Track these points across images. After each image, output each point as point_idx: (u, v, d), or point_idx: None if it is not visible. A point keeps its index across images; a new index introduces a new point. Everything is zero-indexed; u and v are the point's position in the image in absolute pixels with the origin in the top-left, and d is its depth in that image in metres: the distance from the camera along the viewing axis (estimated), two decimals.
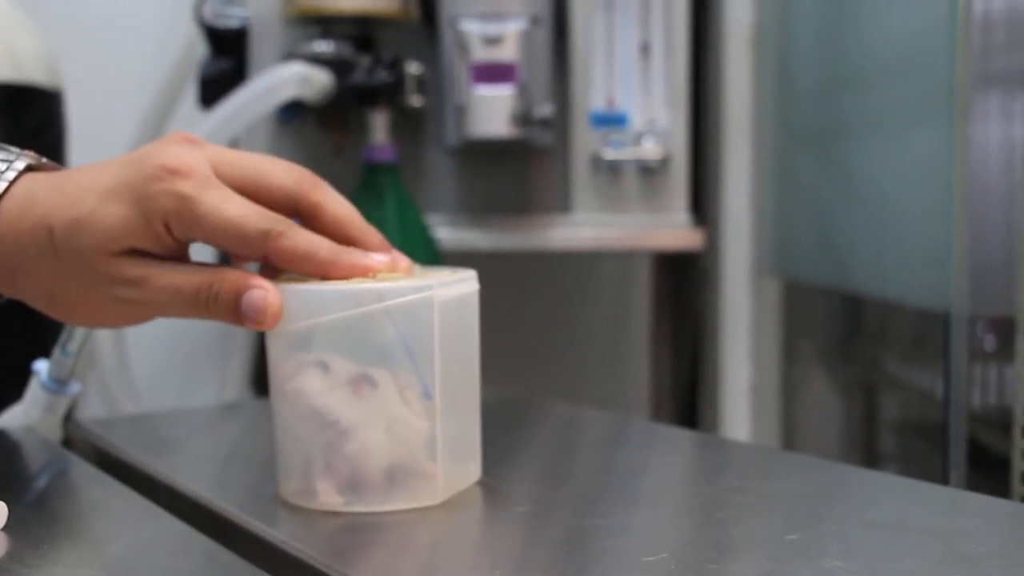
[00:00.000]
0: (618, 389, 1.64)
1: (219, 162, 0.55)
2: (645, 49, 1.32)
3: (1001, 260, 0.96)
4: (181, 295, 0.54)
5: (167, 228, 0.54)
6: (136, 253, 0.54)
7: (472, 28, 1.23)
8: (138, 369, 1.40)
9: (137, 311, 0.55)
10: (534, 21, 1.25)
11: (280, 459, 0.57)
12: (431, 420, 0.56)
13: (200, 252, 0.57)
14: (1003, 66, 0.98)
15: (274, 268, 0.58)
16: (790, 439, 1.53)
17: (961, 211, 0.95)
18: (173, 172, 0.53)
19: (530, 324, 1.63)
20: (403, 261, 0.58)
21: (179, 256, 0.55)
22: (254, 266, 0.58)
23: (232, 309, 0.54)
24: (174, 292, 0.54)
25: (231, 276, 0.54)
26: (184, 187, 0.53)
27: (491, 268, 1.58)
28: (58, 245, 0.54)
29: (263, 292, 0.54)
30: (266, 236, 0.54)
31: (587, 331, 1.64)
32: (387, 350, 0.55)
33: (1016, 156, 0.96)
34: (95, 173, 0.55)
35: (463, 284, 0.58)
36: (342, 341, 0.55)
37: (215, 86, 1.30)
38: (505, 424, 0.73)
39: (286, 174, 0.57)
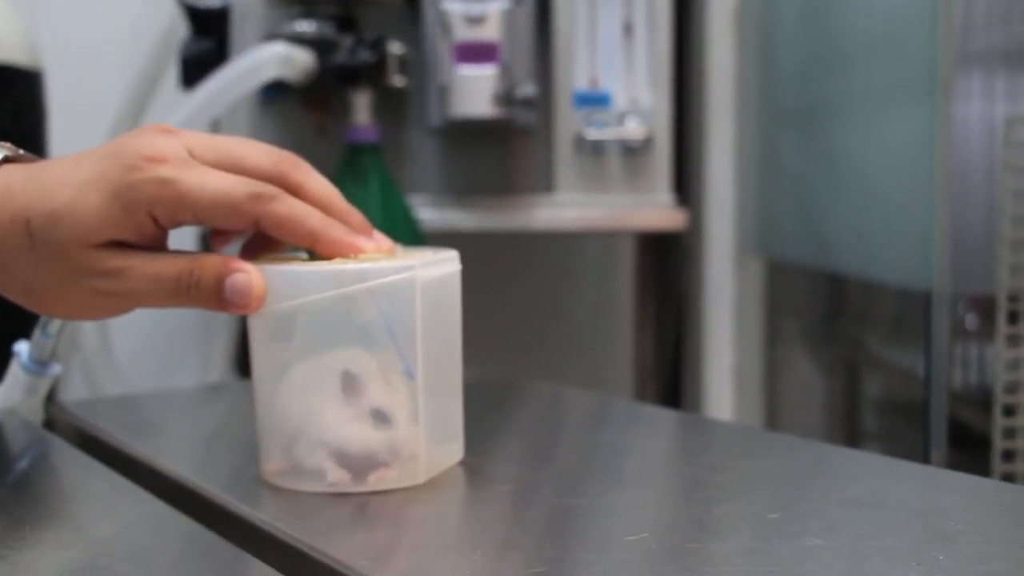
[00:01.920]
0: (601, 369, 1.64)
1: (195, 147, 0.54)
2: (628, 28, 1.32)
3: (982, 239, 0.97)
4: (162, 283, 0.54)
5: (151, 217, 0.53)
6: (114, 245, 0.54)
7: (454, 8, 1.23)
8: (121, 350, 1.40)
9: (117, 303, 0.55)
10: (517, 0, 1.25)
11: (262, 440, 0.57)
12: (413, 400, 0.56)
13: (177, 244, 0.57)
14: (984, 44, 0.98)
15: (252, 251, 0.58)
16: (773, 418, 1.54)
17: (942, 190, 0.95)
18: (151, 159, 0.53)
19: (513, 304, 1.63)
20: (385, 242, 0.58)
21: (157, 246, 0.55)
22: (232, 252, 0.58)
23: (215, 294, 0.54)
24: (154, 281, 0.53)
25: (212, 261, 0.54)
26: (164, 171, 0.53)
27: (474, 249, 1.57)
28: (35, 238, 0.53)
29: (246, 275, 0.54)
30: (257, 199, 0.53)
31: (570, 311, 1.65)
32: (369, 330, 0.55)
33: (997, 135, 0.96)
34: (71, 165, 0.54)
35: (445, 264, 0.58)
36: (324, 322, 0.54)
37: (196, 67, 1.29)
38: (488, 404, 0.73)
39: (264, 156, 0.56)
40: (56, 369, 0.72)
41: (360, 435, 0.55)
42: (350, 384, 0.55)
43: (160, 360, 1.58)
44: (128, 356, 1.48)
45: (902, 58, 1.07)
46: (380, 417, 0.55)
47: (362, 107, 1.24)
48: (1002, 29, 0.98)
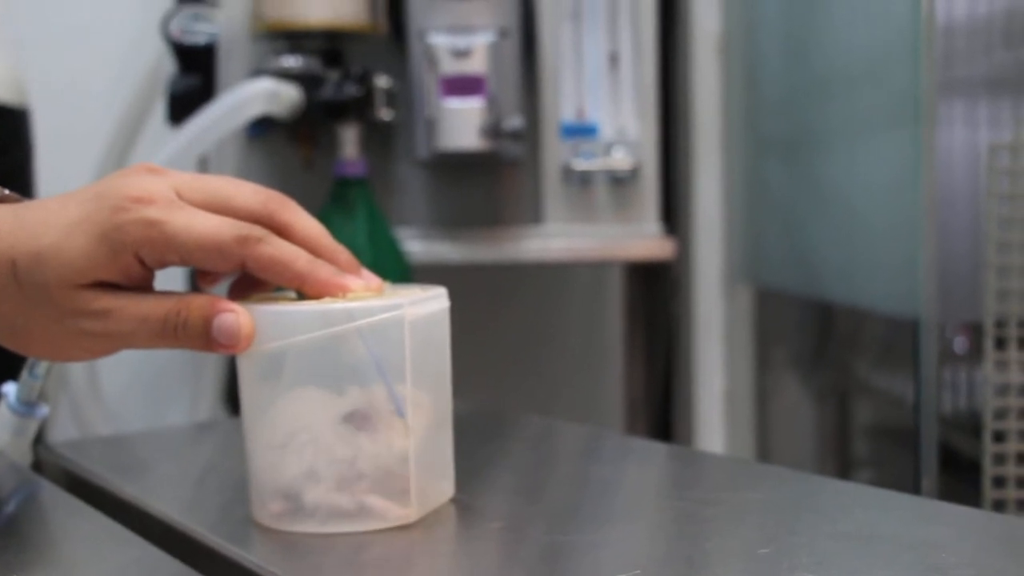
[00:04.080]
0: (592, 398, 1.64)
1: (182, 187, 0.54)
2: (614, 59, 1.33)
3: (968, 266, 0.97)
4: (149, 324, 0.53)
5: (138, 258, 0.53)
6: (101, 285, 0.54)
7: (441, 41, 1.24)
8: (109, 386, 1.39)
9: (103, 344, 0.55)
10: (502, 33, 1.25)
11: (252, 480, 0.57)
12: (404, 439, 0.56)
13: (163, 285, 0.57)
14: (966, 73, 0.99)
15: (240, 291, 0.58)
16: (764, 446, 1.54)
17: (928, 218, 0.96)
18: (137, 200, 0.53)
19: (503, 336, 1.62)
20: (373, 280, 0.58)
21: (143, 287, 0.55)
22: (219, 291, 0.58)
23: (203, 335, 0.54)
24: (141, 321, 0.53)
25: (199, 301, 0.54)
26: (150, 212, 0.53)
27: (463, 281, 1.57)
28: (21, 279, 0.53)
29: (234, 315, 0.54)
30: (244, 241, 0.53)
31: (560, 341, 1.65)
32: (359, 369, 0.55)
33: (980, 162, 0.97)
34: (57, 206, 0.54)
35: (433, 302, 0.58)
36: (314, 361, 0.55)
37: (184, 103, 1.29)
38: (479, 438, 0.73)
39: (252, 195, 0.56)
40: (44, 411, 0.72)
41: (351, 474, 0.55)
42: (340, 422, 0.55)
43: (150, 397, 1.58)
44: (117, 393, 1.47)
45: (885, 87, 1.08)
46: (371, 456, 0.55)
47: (349, 141, 1.25)
48: (983, 57, 0.99)
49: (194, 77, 1.31)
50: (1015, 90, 0.98)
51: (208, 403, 1.30)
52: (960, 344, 1.27)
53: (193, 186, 0.55)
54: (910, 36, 0.99)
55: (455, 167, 1.33)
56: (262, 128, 1.26)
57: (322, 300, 0.55)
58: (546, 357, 1.64)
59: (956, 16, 0.98)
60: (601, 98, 1.32)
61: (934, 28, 0.96)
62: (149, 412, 1.57)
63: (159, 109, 1.37)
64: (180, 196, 0.54)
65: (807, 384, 1.57)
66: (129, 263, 0.53)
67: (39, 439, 0.73)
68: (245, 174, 1.28)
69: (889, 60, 1.06)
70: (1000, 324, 0.96)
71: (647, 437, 1.47)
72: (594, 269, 1.62)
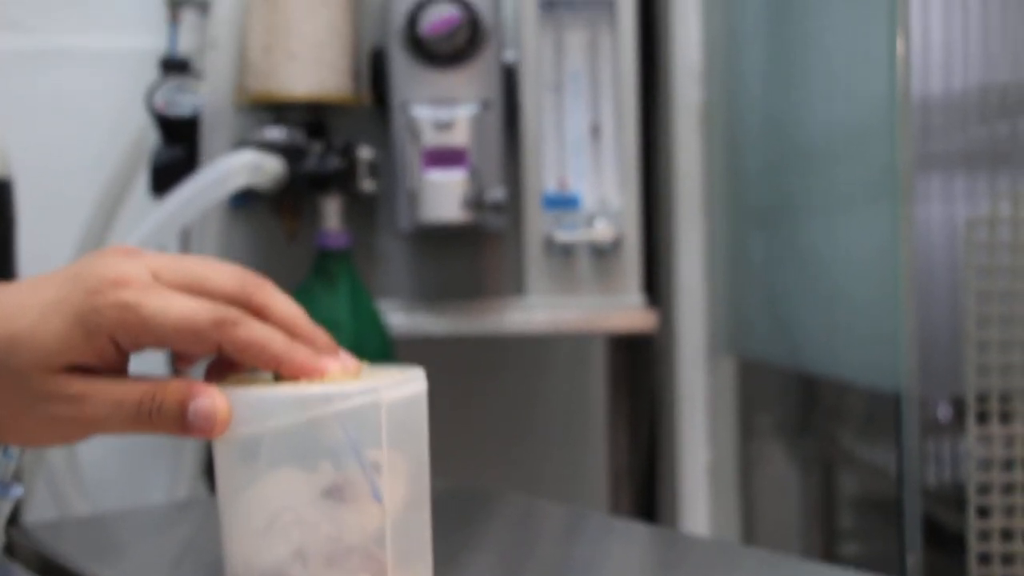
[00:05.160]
0: (576, 470, 1.64)
1: (158, 269, 0.55)
2: (596, 130, 1.34)
3: (950, 340, 0.98)
4: (123, 409, 0.53)
5: (113, 342, 0.53)
6: (75, 369, 0.54)
7: (423, 113, 1.25)
8: (88, 461, 1.38)
9: (76, 429, 0.54)
10: (485, 105, 1.27)
11: (231, 566, 0.56)
12: (380, 523, 0.55)
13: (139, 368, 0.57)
14: (942, 148, 1.00)
15: (217, 372, 0.58)
16: (749, 516, 1.53)
17: (907, 292, 0.97)
18: (113, 283, 0.53)
19: (486, 407, 1.62)
20: (351, 362, 0.58)
21: (118, 371, 0.55)
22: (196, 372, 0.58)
23: (178, 419, 0.53)
24: (116, 406, 0.53)
25: (174, 385, 0.54)
26: (126, 295, 0.53)
27: (445, 352, 1.58)
28: None
29: (209, 400, 0.54)
30: (220, 324, 0.53)
31: (543, 413, 1.64)
32: (335, 453, 0.54)
33: (958, 236, 0.98)
34: (32, 288, 0.54)
35: (411, 384, 0.58)
36: (290, 445, 0.54)
37: (167, 174, 1.30)
38: (457, 518, 0.72)
39: (228, 277, 0.56)
40: (17, 491, 0.71)
41: (327, 558, 0.55)
42: (320, 498, 0.55)
43: (128, 472, 1.56)
44: (96, 468, 1.46)
45: (863, 160, 1.09)
46: (347, 541, 0.55)
47: (332, 213, 1.25)
48: (959, 131, 1.00)
49: (178, 148, 1.32)
50: (991, 164, 0.99)
51: (188, 477, 1.29)
52: (944, 412, 1.27)
53: (169, 268, 0.56)
54: (887, 111, 1.00)
55: (437, 239, 1.34)
56: (245, 200, 1.26)
57: (299, 383, 0.55)
58: (529, 429, 1.63)
59: (932, 92, 0.99)
60: (583, 169, 1.33)
61: (910, 104, 0.98)
62: (128, 487, 1.56)
63: (142, 180, 1.37)
64: (156, 278, 0.55)
65: (792, 455, 1.56)
66: (104, 346, 0.53)
67: (13, 519, 0.73)
68: (228, 245, 1.28)
69: (867, 135, 1.07)
70: (982, 398, 0.96)
71: (631, 508, 1.47)
72: (577, 340, 1.62)
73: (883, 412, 1.25)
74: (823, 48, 1.21)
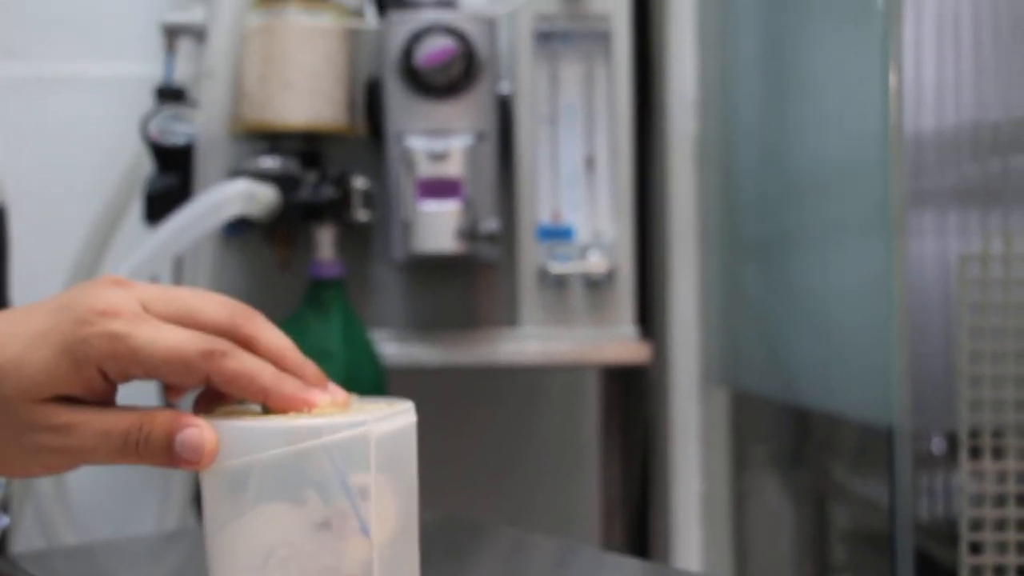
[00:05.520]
0: (569, 502, 1.63)
1: (148, 300, 0.55)
2: (590, 162, 1.35)
3: (942, 375, 0.98)
4: (110, 440, 0.53)
5: (102, 372, 0.53)
6: (62, 399, 0.54)
7: (418, 145, 1.25)
8: (77, 489, 1.37)
9: (63, 459, 0.54)
10: (479, 137, 1.27)
11: None
12: (368, 557, 0.55)
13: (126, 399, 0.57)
14: (935, 184, 1.00)
15: (206, 404, 0.58)
16: (742, 548, 1.52)
17: (900, 327, 0.97)
18: (103, 314, 0.53)
19: (478, 438, 1.61)
20: (340, 394, 0.58)
21: (106, 401, 0.55)
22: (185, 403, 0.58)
23: (165, 451, 0.53)
24: (103, 437, 0.53)
25: (162, 416, 0.54)
26: (115, 326, 0.53)
27: (438, 383, 1.57)
28: None
29: (197, 431, 0.54)
30: (209, 356, 0.54)
31: (535, 445, 1.64)
32: (324, 486, 0.54)
33: (951, 272, 0.98)
34: (21, 318, 0.54)
35: (400, 417, 0.58)
36: (278, 477, 0.54)
37: (161, 203, 1.29)
38: (447, 552, 0.72)
39: (218, 308, 0.57)
40: (4, 521, 0.71)
41: None
42: (315, 531, 0.55)
43: (117, 502, 1.56)
44: (85, 497, 1.45)
45: (856, 195, 1.09)
46: (334, 574, 0.55)
47: (326, 242, 1.25)
48: (952, 167, 1.01)
49: (172, 177, 1.32)
50: (983, 201, 0.99)
51: (177, 507, 1.28)
52: (938, 445, 1.26)
53: (159, 299, 0.56)
54: (880, 146, 1.01)
55: (431, 269, 1.34)
56: (238, 229, 1.26)
57: (287, 415, 0.55)
58: (521, 460, 1.63)
59: (924, 128, 1.00)
60: (577, 201, 1.34)
61: (903, 139, 0.98)
62: (117, 517, 1.55)
63: (136, 208, 1.37)
64: (146, 309, 0.55)
65: (785, 487, 1.56)
66: (92, 377, 0.53)
67: (1, 549, 0.72)
68: (221, 275, 1.28)
69: (860, 169, 1.08)
70: (974, 434, 0.96)
71: (624, 541, 1.46)
72: (570, 372, 1.62)
73: (876, 445, 1.25)
74: (817, 82, 1.21)
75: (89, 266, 1.38)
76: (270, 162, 1.25)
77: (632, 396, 1.47)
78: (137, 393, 0.60)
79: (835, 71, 1.17)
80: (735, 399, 1.50)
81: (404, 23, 1.26)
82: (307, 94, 1.26)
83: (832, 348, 1.14)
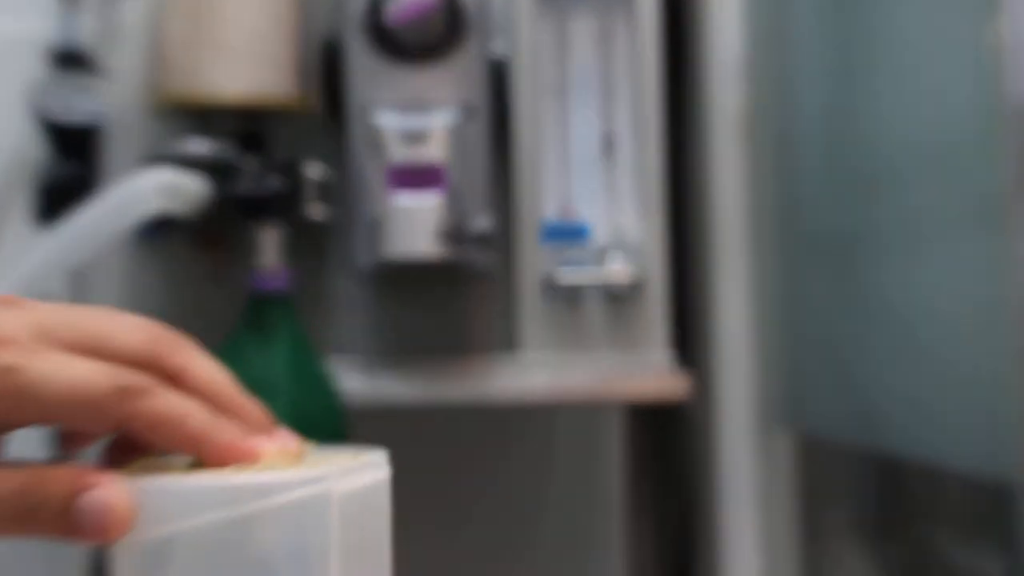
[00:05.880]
0: None
1: (47, 324, 0.55)
2: (609, 143, 1.35)
3: None
4: None
5: None
6: None
7: (389, 122, 1.25)
8: None
9: None
10: (467, 112, 1.27)
11: None
12: None
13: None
14: None
15: (118, 456, 0.57)
16: None
17: (1017, 351, 0.96)
18: None
19: (470, 498, 1.62)
20: (291, 442, 0.59)
21: None
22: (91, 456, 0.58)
23: (62, 519, 0.53)
24: None
25: (59, 475, 0.54)
26: (4, 358, 0.53)
27: (415, 427, 1.57)
28: None
29: (105, 492, 0.53)
30: (123, 394, 0.54)
31: (544, 504, 1.64)
32: (270, 562, 0.54)
33: None
34: None
35: (369, 471, 0.59)
36: (212, 553, 0.54)
37: (57, 197, 1.30)
38: None
39: (135, 335, 0.57)
40: None
41: None
42: None
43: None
44: None
45: (953, 182, 1.09)
46: None
47: (269, 246, 1.25)
48: None
49: (71, 165, 1.32)
50: None
51: None
52: None
53: (61, 321, 0.56)
54: (983, 121, 1.01)
55: (406, 280, 1.34)
56: (158, 230, 1.26)
57: (224, 470, 0.56)
58: (526, 523, 1.63)
59: None
60: (593, 192, 1.34)
61: (1008, 110, 0.98)
62: None
63: (23, 205, 1.37)
64: (43, 335, 0.55)
65: (870, 561, 1.56)
66: None
67: None
68: (135, 290, 1.28)
69: (957, 150, 1.08)
70: None
71: None
72: (586, 411, 1.62)
73: (988, 506, 1.24)
74: (901, 38, 1.22)
75: None
76: (199, 145, 1.26)
77: (667, 443, 1.47)
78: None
79: (924, 25, 1.17)
80: (802, 447, 1.50)
81: None
82: (246, 59, 1.26)
83: (928, 378, 1.14)
